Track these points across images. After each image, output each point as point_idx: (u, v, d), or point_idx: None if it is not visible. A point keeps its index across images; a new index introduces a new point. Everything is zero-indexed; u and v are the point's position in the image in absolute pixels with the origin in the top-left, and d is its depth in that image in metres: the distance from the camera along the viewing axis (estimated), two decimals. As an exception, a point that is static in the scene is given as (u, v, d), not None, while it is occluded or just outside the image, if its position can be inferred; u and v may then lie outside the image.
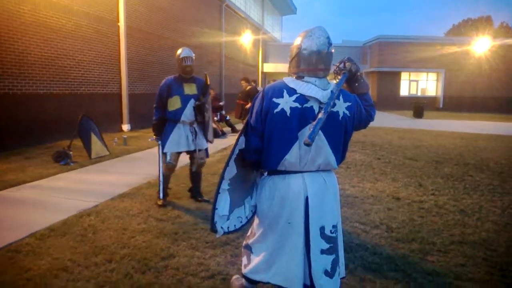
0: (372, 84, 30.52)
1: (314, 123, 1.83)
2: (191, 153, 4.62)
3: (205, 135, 4.61)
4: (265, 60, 32.00)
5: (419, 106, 20.89)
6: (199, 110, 4.48)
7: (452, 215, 4.38)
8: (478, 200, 5.02)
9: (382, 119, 18.07)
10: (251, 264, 2.18)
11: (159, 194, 4.52)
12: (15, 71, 8.05)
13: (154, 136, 4.60)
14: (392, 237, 3.66)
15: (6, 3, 7.74)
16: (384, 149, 9.10)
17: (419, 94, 30.09)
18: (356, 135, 11.83)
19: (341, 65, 2.18)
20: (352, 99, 2.11)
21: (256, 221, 2.24)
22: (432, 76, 30.27)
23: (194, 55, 4.55)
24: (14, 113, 8.02)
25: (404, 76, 29.91)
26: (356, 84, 2.24)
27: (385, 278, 2.88)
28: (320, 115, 1.85)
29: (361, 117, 2.19)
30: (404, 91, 30.02)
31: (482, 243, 3.58)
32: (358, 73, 2.24)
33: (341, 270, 2.17)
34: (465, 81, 28.88)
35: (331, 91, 1.97)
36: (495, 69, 28.37)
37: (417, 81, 30.34)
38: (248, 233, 2.31)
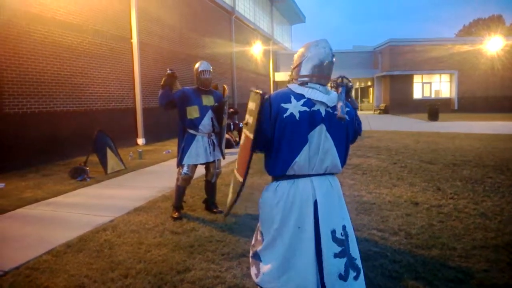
0: (385, 88, 30.30)
1: (339, 101, 2.01)
2: (207, 164, 4.64)
3: (220, 144, 4.64)
4: (276, 69, 32.15)
5: (433, 109, 20.58)
6: (218, 111, 4.54)
7: (473, 218, 4.26)
8: (499, 202, 4.88)
9: (397, 123, 17.85)
10: (262, 273, 2.14)
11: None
12: (33, 90, 8.27)
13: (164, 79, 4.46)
14: (411, 244, 3.58)
15: (20, 25, 7.96)
16: (400, 154, 8.97)
17: (433, 96, 29.73)
18: (371, 141, 11.70)
19: (338, 80, 2.30)
20: (350, 106, 2.25)
21: (261, 228, 2.22)
22: (445, 77, 29.89)
23: (211, 68, 4.64)
24: (32, 131, 8.20)
25: (417, 79, 29.59)
26: (349, 99, 2.36)
27: (405, 287, 2.80)
28: (338, 91, 2.05)
29: (354, 127, 2.30)
30: (417, 94, 29.69)
31: (505, 247, 3.47)
32: (351, 91, 2.38)
33: (360, 280, 2.10)
34: (478, 81, 28.44)
35: (337, 94, 2.10)
36: (508, 68, 27.86)
37: (430, 83, 29.98)
38: (253, 242, 2.29)
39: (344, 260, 2.02)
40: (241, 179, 2.12)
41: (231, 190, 2.33)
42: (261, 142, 2.08)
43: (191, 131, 4.49)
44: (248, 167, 2.07)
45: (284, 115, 2.02)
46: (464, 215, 4.40)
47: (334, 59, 2.13)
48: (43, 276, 3.06)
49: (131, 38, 11.85)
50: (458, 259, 3.24)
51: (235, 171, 2.24)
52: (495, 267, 3.08)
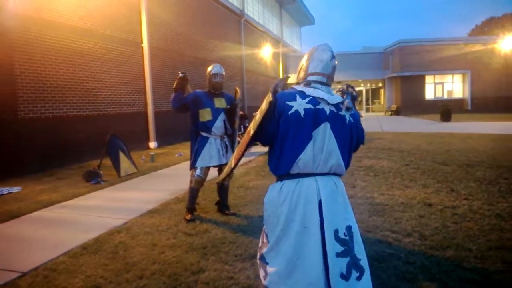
0: (396, 89, 30.05)
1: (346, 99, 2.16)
2: (220, 166, 4.67)
3: (232, 146, 4.68)
4: (285, 71, 32.12)
5: (446, 109, 20.31)
6: (230, 113, 4.60)
7: (488, 219, 4.21)
8: (515, 203, 4.81)
9: (409, 124, 17.68)
10: (269, 274, 2.13)
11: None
12: (47, 95, 8.42)
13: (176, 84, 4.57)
14: (425, 245, 3.55)
15: (33, 31, 8.12)
16: (413, 155, 8.89)
17: (445, 96, 29.36)
18: (383, 142, 11.62)
19: (344, 88, 2.37)
20: (354, 109, 2.29)
21: (266, 229, 2.23)
22: (458, 77, 29.52)
23: (224, 71, 4.67)
24: (46, 135, 8.35)
25: (429, 79, 29.27)
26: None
27: (420, 288, 2.78)
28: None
29: (358, 131, 2.30)
30: (429, 95, 29.36)
31: (522, 248, 3.42)
32: (356, 100, 2.43)
33: (364, 280, 2.09)
34: (492, 81, 27.99)
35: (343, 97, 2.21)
36: None
37: (442, 83, 29.63)
38: (260, 244, 2.30)
39: (346, 259, 2.01)
40: (232, 165, 2.36)
41: (227, 168, 2.61)
42: (263, 137, 2.17)
43: (204, 134, 4.53)
44: (241, 157, 2.28)
45: (289, 112, 2.07)
46: (479, 216, 4.35)
47: (336, 61, 2.22)
48: (61, 277, 3.11)
49: (142, 42, 11.99)
50: (473, 260, 3.20)
51: (233, 156, 2.40)
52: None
